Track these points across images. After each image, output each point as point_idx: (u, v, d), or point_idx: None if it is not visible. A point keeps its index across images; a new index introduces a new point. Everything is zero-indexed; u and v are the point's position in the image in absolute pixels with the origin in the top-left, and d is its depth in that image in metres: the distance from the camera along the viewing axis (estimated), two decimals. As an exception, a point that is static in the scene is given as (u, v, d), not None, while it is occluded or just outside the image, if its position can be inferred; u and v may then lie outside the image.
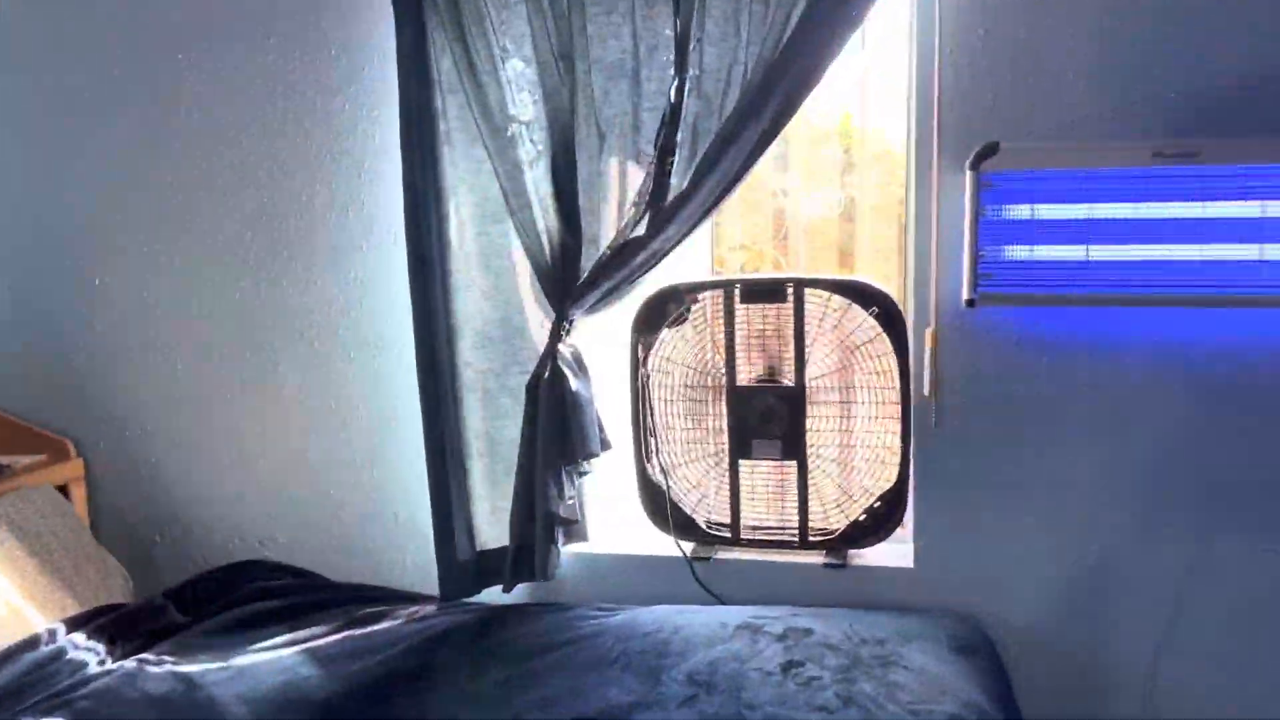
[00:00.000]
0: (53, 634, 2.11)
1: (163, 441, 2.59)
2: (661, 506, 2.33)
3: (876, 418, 2.22)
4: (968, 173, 2.00)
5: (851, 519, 2.27)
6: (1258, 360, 2.00)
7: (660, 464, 2.31)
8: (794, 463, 2.27)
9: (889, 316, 2.16)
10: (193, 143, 2.44)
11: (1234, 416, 2.03)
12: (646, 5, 2.05)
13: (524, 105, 2.15)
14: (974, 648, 1.94)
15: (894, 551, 2.27)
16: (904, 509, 2.23)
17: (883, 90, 2.44)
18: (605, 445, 2.25)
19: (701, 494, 2.34)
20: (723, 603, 2.26)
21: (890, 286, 2.22)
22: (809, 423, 2.25)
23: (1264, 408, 2.01)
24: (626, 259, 2.10)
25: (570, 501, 2.22)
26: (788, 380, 2.24)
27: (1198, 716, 2.12)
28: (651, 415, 2.30)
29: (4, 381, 2.63)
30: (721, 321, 2.25)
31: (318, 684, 1.94)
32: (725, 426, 2.29)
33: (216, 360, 2.52)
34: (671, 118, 2.07)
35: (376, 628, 2.22)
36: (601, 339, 2.32)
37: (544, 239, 2.15)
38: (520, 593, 2.33)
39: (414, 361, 2.23)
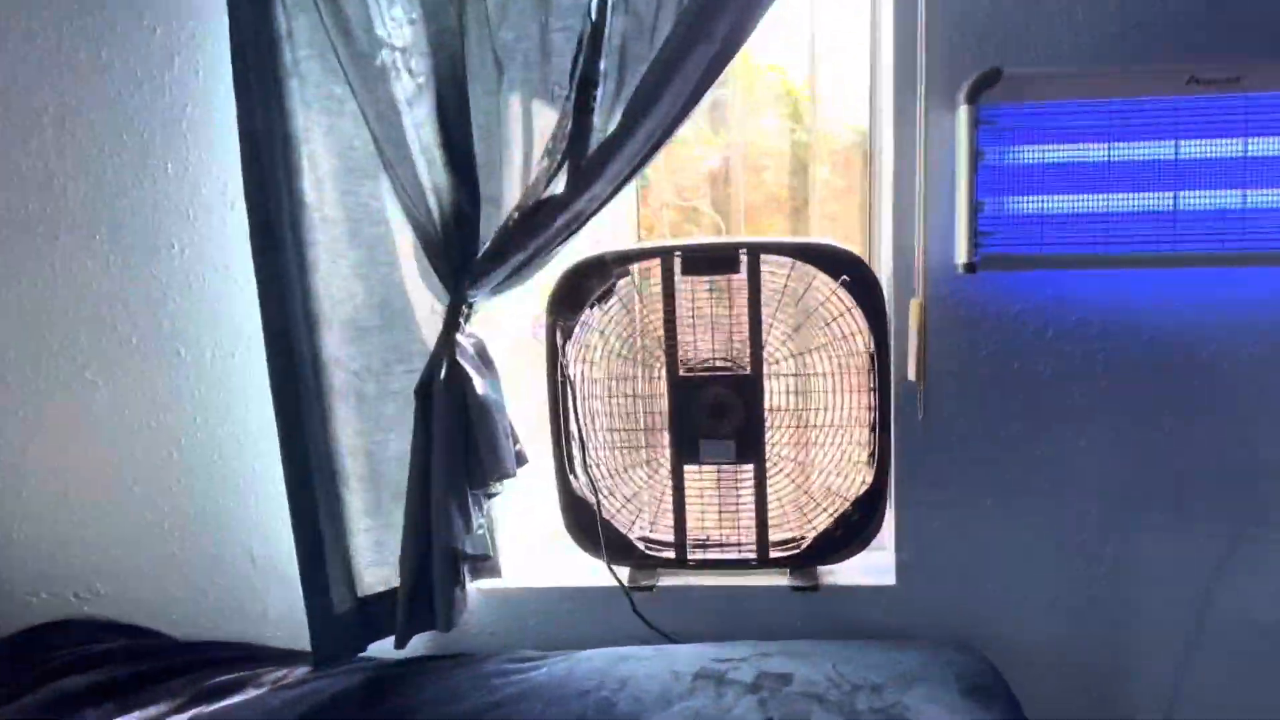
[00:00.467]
0: None
1: (-68, 474, 2.04)
2: (590, 526, 1.95)
3: (850, 409, 1.89)
4: (962, 107, 1.66)
5: (820, 530, 1.94)
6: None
7: (587, 475, 1.92)
8: (751, 466, 1.92)
9: (863, 286, 1.82)
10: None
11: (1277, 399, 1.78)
12: (555, -111, 1.62)
13: (397, 26, 1.69)
14: (987, 688, 1.64)
15: (872, 566, 1.96)
16: (882, 516, 1.91)
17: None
18: (521, 460, 1.84)
19: (638, 509, 1.97)
20: (672, 640, 1.90)
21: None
22: (769, 417, 1.90)
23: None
24: (540, 225, 1.69)
25: (479, 532, 1.81)
26: (742, 367, 1.88)
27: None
28: (575, 416, 1.90)
29: None
30: (659, 298, 1.86)
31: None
32: (666, 426, 1.92)
33: (1, 367, 1.98)
34: (592, 41, 1.66)
35: (233, 701, 1.79)
36: (513, 323, 1.91)
37: (431, 200, 1.71)
38: (419, 644, 1.91)
39: (264, 360, 1.76)
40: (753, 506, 1.93)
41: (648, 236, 2.11)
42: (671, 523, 1.95)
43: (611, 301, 1.88)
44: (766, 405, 1.89)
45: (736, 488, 1.94)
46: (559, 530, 1.99)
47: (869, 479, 1.90)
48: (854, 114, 2.08)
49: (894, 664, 1.71)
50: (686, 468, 1.93)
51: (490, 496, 1.83)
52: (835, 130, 2.14)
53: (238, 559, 2.01)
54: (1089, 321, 1.78)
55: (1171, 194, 1.62)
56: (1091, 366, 1.80)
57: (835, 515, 1.93)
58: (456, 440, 1.72)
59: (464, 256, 1.72)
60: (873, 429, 1.88)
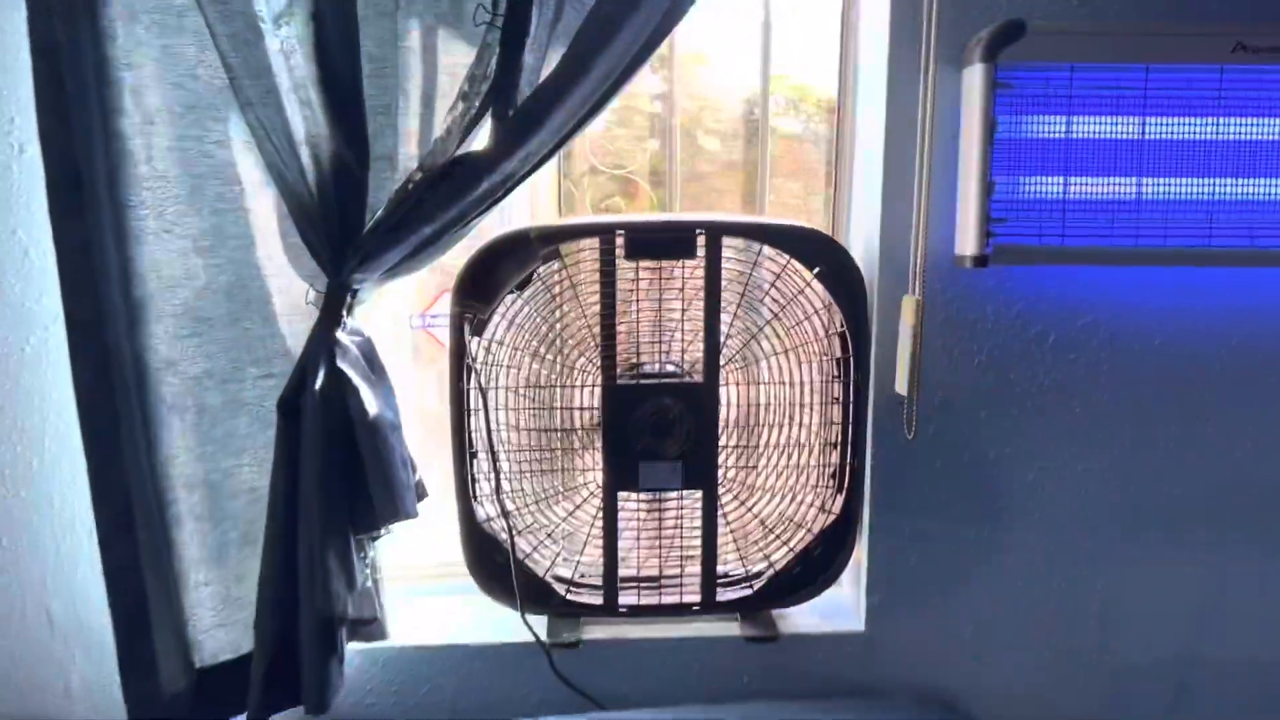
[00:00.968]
0: None
1: None
2: (500, 567, 1.61)
3: (819, 424, 1.62)
4: (975, 66, 1.40)
5: (779, 567, 1.67)
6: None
7: (497, 504, 1.58)
8: (699, 492, 1.62)
9: (842, 280, 1.55)
10: None
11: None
12: None
13: (257, -85, 1.29)
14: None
15: (838, 609, 1.71)
16: (850, 550, 1.66)
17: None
18: (420, 494, 1.49)
19: (562, 546, 1.65)
20: (601, 707, 1.60)
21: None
22: (724, 434, 1.61)
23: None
24: (452, 190, 1.33)
25: (367, 585, 1.45)
26: (694, 373, 1.58)
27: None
28: (484, 431, 1.55)
29: None
30: (595, 287, 1.54)
31: None
32: (599, 444, 1.60)
33: None
34: (523, -50, 1.31)
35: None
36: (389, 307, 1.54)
37: (304, 154, 1.33)
38: (280, 723, 1.54)
39: (67, 360, 1.34)
40: (699, 540, 1.64)
41: (571, 211, 1.78)
42: (601, 562, 1.64)
43: (534, 290, 1.54)
44: (722, 420, 1.60)
45: (681, 518, 1.64)
46: (459, 570, 1.64)
47: (836, 507, 1.65)
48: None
49: (877, 736, 1.46)
50: (621, 495, 1.62)
51: (377, 538, 1.47)
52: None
53: (29, 618, 1.56)
54: (1097, 325, 1.57)
55: (1211, 180, 1.42)
56: (1095, 377, 1.59)
57: (796, 549, 1.67)
58: (335, 470, 1.35)
59: (348, 229, 1.35)
60: (843, 447, 1.63)
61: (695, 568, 1.65)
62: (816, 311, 1.57)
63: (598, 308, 1.54)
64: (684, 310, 1.55)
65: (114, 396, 1.35)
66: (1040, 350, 1.58)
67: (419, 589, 1.76)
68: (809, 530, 1.66)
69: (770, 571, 1.67)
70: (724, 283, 1.54)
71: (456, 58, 1.37)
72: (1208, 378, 1.60)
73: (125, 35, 1.30)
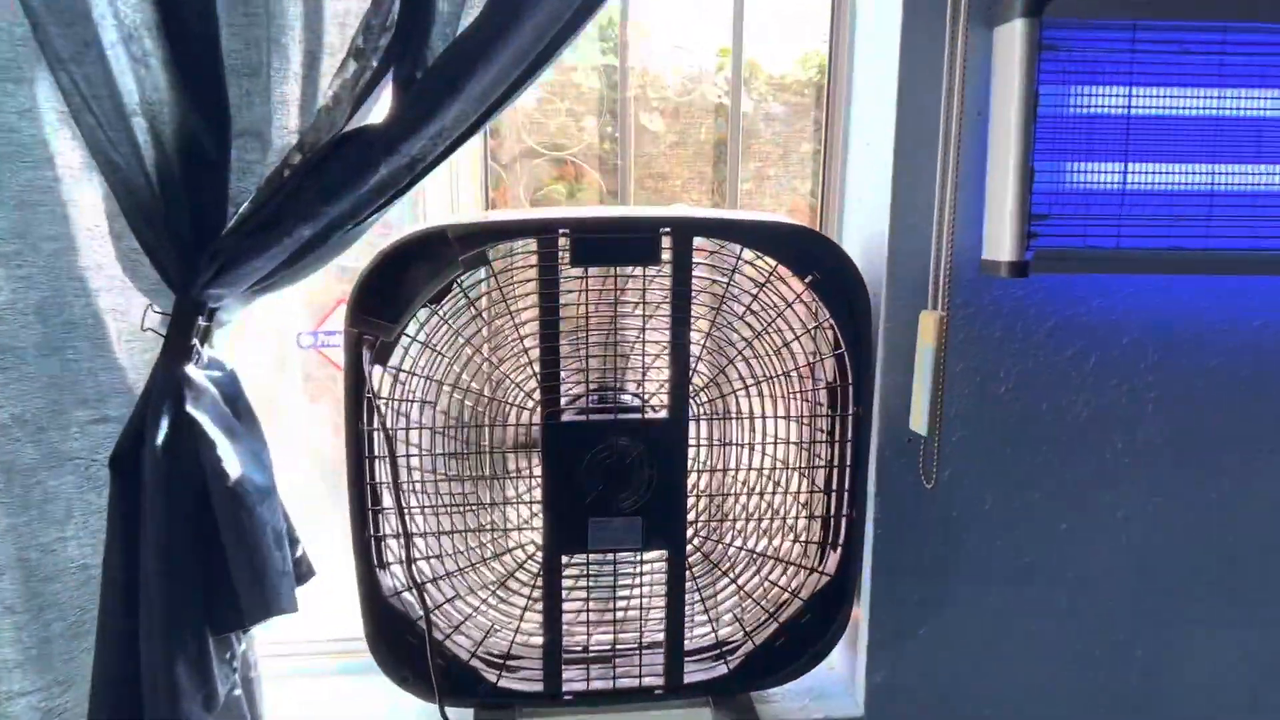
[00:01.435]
0: None
1: None
2: (414, 649, 1.32)
3: (812, 468, 1.35)
4: (1016, 23, 1.14)
5: (759, 640, 1.40)
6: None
7: (409, 572, 1.29)
8: (663, 552, 1.35)
9: (841, 290, 1.28)
10: None
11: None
12: None
13: None
14: None
15: (830, 689, 1.45)
16: (845, 619, 1.40)
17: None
18: (304, 575, 1.19)
19: (490, 624, 1.36)
20: (542, 824, 1.32)
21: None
22: (694, 482, 1.34)
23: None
24: (342, 178, 1.03)
25: (234, 693, 1.14)
26: (656, 407, 1.30)
27: None
28: (391, 481, 1.26)
29: None
30: (533, 300, 1.25)
31: None
32: (539, 496, 1.31)
33: None
34: None
35: None
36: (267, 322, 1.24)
37: (140, 128, 1.01)
38: None
39: None
40: (663, 611, 1.37)
41: (502, 204, 1.48)
42: (540, 639, 1.35)
43: (454, 304, 1.25)
44: (690, 462, 1.32)
45: (640, 585, 1.37)
46: (358, 647, 1.35)
47: (830, 566, 1.38)
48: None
49: None
50: (567, 560, 1.34)
51: (246, 630, 1.16)
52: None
53: None
54: (1143, 345, 1.33)
55: (1294, 169, 1.18)
56: (1140, 407, 1.35)
57: (781, 619, 1.40)
58: (184, 549, 1.04)
59: (201, 229, 1.04)
60: (839, 495, 1.36)
61: (658, 641, 1.38)
62: (808, 329, 1.30)
63: (535, 326, 1.25)
64: (644, 329, 1.27)
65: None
66: (1078, 374, 1.33)
67: (309, 669, 1.46)
68: (796, 595, 1.39)
69: (749, 645, 1.40)
70: (694, 294, 1.26)
71: (349, 3, 1.07)
72: (1271, 408, 1.36)
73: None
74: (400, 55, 1.03)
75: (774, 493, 1.36)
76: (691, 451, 1.32)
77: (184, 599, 1.05)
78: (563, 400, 1.29)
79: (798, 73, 1.58)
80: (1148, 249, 1.18)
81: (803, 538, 1.38)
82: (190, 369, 1.06)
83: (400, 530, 1.26)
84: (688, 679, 1.39)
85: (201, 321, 1.06)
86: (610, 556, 1.34)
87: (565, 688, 1.37)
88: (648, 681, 1.39)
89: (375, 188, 1.03)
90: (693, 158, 1.62)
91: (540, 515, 1.31)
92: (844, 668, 1.49)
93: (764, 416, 1.32)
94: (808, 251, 1.28)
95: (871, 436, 1.34)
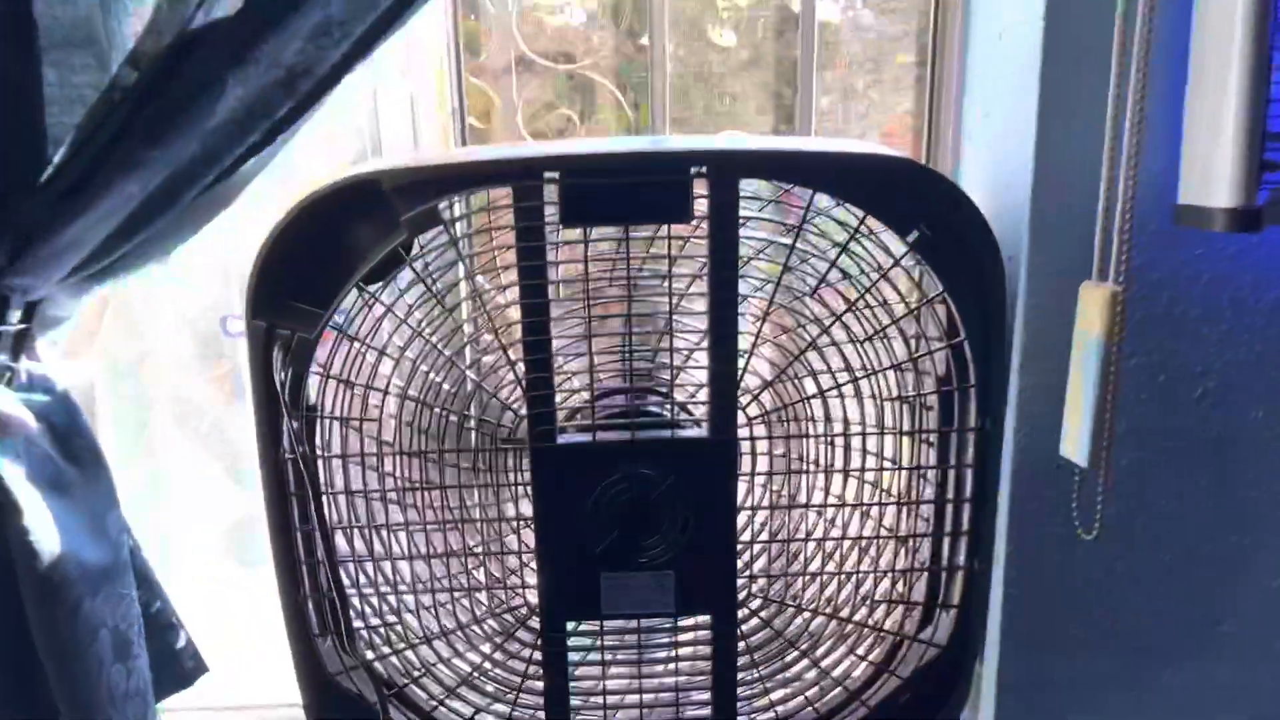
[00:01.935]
0: None
1: None
2: (373, 741, 1.01)
3: (913, 501, 0.99)
4: None
5: (841, 730, 1.06)
6: None
7: (344, 646, 0.98)
8: (706, 617, 1.00)
9: (961, 251, 0.90)
10: None
11: None
12: None
13: None
14: None
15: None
16: (959, 703, 1.04)
17: None
18: (186, 677, 0.88)
19: (475, 708, 1.04)
20: None
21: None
22: (745, 523, 0.99)
23: None
24: (181, 105, 0.69)
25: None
26: (690, 420, 0.95)
27: None
28: (318, 530, 0.94)
29: None
30: (512, 274, 0.90)
31: None
32: (531, 544, 0.98)
33: None
34: None
35: None
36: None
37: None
38: None
39: None
40: (708, 695, 1.03)
41: (488, 134, 1.12)
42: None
43: (403, 282, 0.91)
44: (743, 496, 0.97)
45: (676, 660, 1.03)
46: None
47: (942, 634, 1.02)
48: None
49: None
50: (575, 626, 1.00)
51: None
52: None
53: None
54: None
55: None
56: None
57: (871, 702, 1.05)
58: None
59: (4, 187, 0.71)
60: (954, 540, 1.00)
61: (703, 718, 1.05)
62: (910, 310, 0.93)
63: (519, 311, 0.91)
64: (671, 313, 0.91)
65: None
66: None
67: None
68: (893, 673, 1.04)
69: (827, 737, 1.06)
70: (744, 261, 0.90)
71: None
72: None
73: None
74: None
75: (860, 532, 1.00)
76: (743, 482, 0.97)
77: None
78: (559, 414, 0.94)
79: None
80: None
81: (902, 594, 1.03)
82: (-9, 393, 0.74)
83: (331, 589, 0.95)
84: (743, 781, 1.06)
85: (9, 324, 0.75)
86: (631, 623, 1.01)
87: (577, 793, 1.05)
88: (686, 784, 1.06)
89: (233, 119, 0.69)
90: (771, 79, 1.25)
91: (535, 570, 0.98)
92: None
93: (847, 433, 0.96)
94: (910, 196, 0.90)
95: (1004, 460, 0.97)
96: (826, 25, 1.24)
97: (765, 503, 1.00)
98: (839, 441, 0.97)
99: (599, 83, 1.14)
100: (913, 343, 0.96)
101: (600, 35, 1.12)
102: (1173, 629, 1.01)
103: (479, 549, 1.00)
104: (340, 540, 0.98)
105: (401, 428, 0.95)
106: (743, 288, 0.91)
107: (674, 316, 0.92)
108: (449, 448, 0.96)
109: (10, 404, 0.75)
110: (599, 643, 1.02)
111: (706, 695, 1.04)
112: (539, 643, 1.00)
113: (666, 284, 0.91)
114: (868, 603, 1.03)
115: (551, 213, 0.87)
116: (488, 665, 1.02)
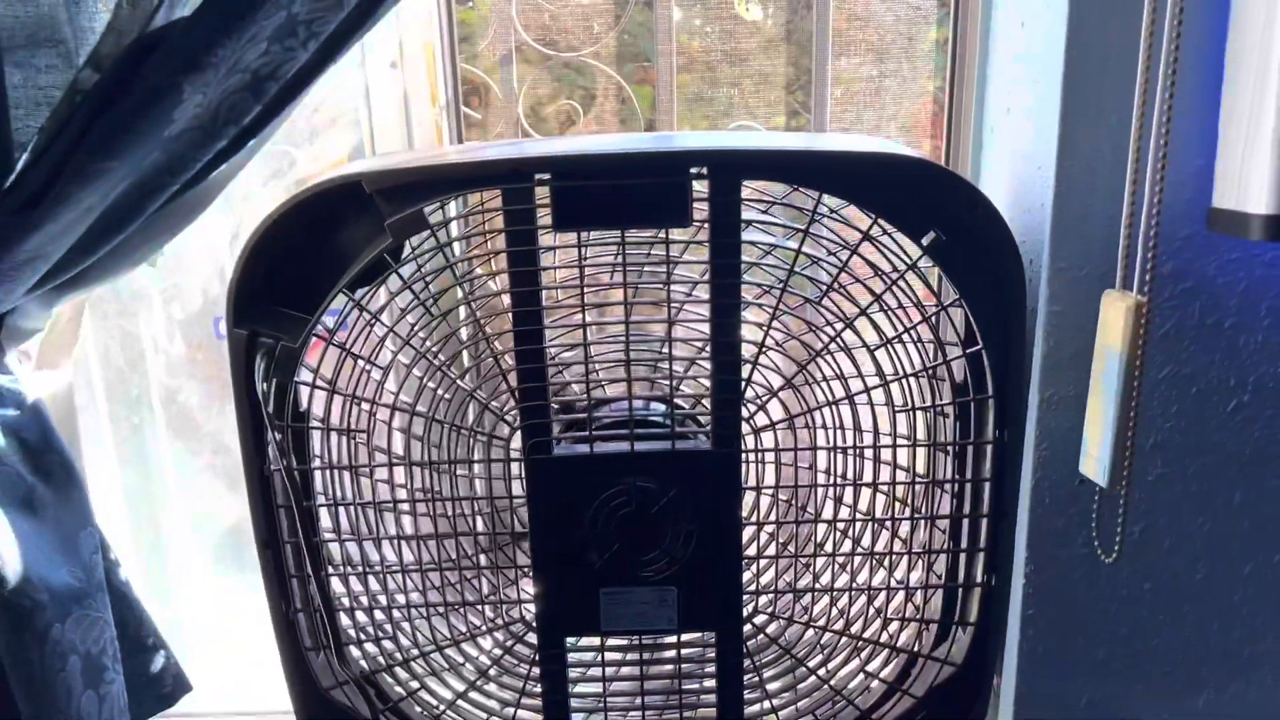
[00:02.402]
0: None
1: None
2: (368, 754, 1.00)
3: (928, 517, 0.95)
4: None
5: (852, 751, 1.03)
6: None
7: (354, 659, 0.96)
8: (710, 634, 0.98)
9: (978, 256, 0.86)
10: None
11: None
12: None
13: None
14: None
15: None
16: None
17: None
18: (166, 698, 0.87)
19: (473, 723, 1.02)
20: None
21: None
22: (753, 536, 0.96)
23: None
24: (138, 112, 0.66)
25: None
26: (693, 430, 0.93)
27: None
28: (305, 545, 0.92)
29: None
30: (503, 279, 0.87)
31: None
32: (527, 559, 0.95)
33: None
34: None
35: None
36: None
37: None
38: None
39: None
40: (713, 712, 1.00)
41: (485, 129, 1.09)
42: (542, 741, 1.01)
43: (388, 288, 0.88)
44: (748, 508, 0.94)
45: (679, 677, 1.00)
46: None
47: (958, 653, 0.99)
48: None
49: None
50: (574, 643, 0.98)
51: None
52: None
53: None
54: None
55: None
56: None
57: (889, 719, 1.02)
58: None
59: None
60: (970, 556, 0.96)
61: (708, 738, 1.02)
62: (925, 317, 0.89)
63: (510, 319, 0.88)
64: (670, 320, 0.88)
65: None
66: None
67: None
68: (907, 693, 1.01)
69: (837, 756, 1.03)
70: (748, 265, 0.86)
71: None
72: None
73: None
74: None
75: (870, 548, 0.97)
76: (748, 495, 0.94)
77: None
78: (555, 425, 0.92)
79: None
80: None
81: (917, 611, 0.99)
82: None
83: (319, 604, 0.93)
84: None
85: (-33, 339, 0.73)
86: (632, 640, 0.99)
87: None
88: (691, 804, 1.04)
89: (196, 125, 0.66)
90: (799, 54, 1.21)
91: (530, 584, 0.96)
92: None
93: (856, 447, 0.92)
94: (923, 196, 0.86)
95: (1024, 474, 0.93)
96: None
97: (772, 515, 0.97)
98: (850, 452, 0.94)
99: (600, 69, 1.10)
100: (928, 350, 0.92)
101: (602, 21, 1.08)
102: (1203, 652, 0.97)
103: (476, 561, 0.98)
104: (335, 550, 0.97)
105: (393, 435, 0.94)
106: (747, 292, 0.88)
107: (675, 323, 0.89)
108: (442, 459, 0.93)
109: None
110: (599, 658, 0.99)
111: (712, 712, 1.02)
112: (537, 658, 0.99)
113: (667, 289, 0.88)
114: (881, 618, 1.01)
115: (544, 216, 0.85)
116: (485, 680, 1.01)
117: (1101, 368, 0.83)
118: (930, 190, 0.87)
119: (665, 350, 0.91)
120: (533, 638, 0.98)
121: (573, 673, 1.00)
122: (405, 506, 0.95)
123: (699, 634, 0.98)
